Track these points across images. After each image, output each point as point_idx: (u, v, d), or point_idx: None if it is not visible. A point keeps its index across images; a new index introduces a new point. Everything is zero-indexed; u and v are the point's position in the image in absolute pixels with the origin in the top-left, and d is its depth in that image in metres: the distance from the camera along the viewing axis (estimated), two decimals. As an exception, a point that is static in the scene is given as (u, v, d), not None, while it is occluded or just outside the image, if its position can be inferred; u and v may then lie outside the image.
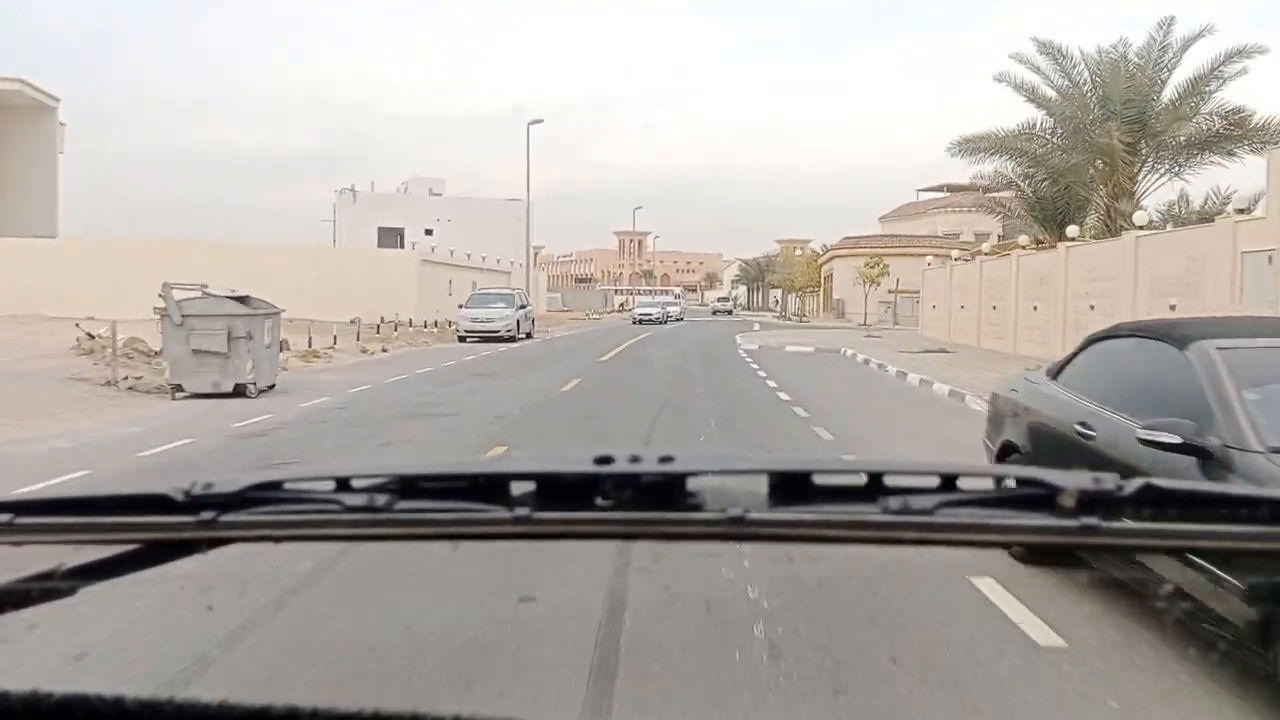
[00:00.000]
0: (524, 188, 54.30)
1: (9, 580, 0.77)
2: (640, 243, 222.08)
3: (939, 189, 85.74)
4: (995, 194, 31.27)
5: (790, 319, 69.41)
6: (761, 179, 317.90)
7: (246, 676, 3.72)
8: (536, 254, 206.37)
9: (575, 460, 0.73)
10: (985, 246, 29.40)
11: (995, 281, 27.48)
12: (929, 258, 58.43)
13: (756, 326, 53.74)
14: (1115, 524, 0.66)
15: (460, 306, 33.46)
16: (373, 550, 4.54)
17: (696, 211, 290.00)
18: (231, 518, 0.73)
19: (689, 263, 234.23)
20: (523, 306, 33.89)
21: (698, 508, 0.70)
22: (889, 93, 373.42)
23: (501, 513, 0.71)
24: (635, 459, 0.71)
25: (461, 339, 32.11)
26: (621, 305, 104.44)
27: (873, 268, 57.61)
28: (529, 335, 35.00)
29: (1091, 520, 0.66)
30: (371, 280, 40.51)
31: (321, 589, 4.82)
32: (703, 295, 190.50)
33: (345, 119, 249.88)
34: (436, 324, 36.94)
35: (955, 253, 32.84)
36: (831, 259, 64.87)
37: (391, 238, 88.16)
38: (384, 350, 26.46)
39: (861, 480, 0.72)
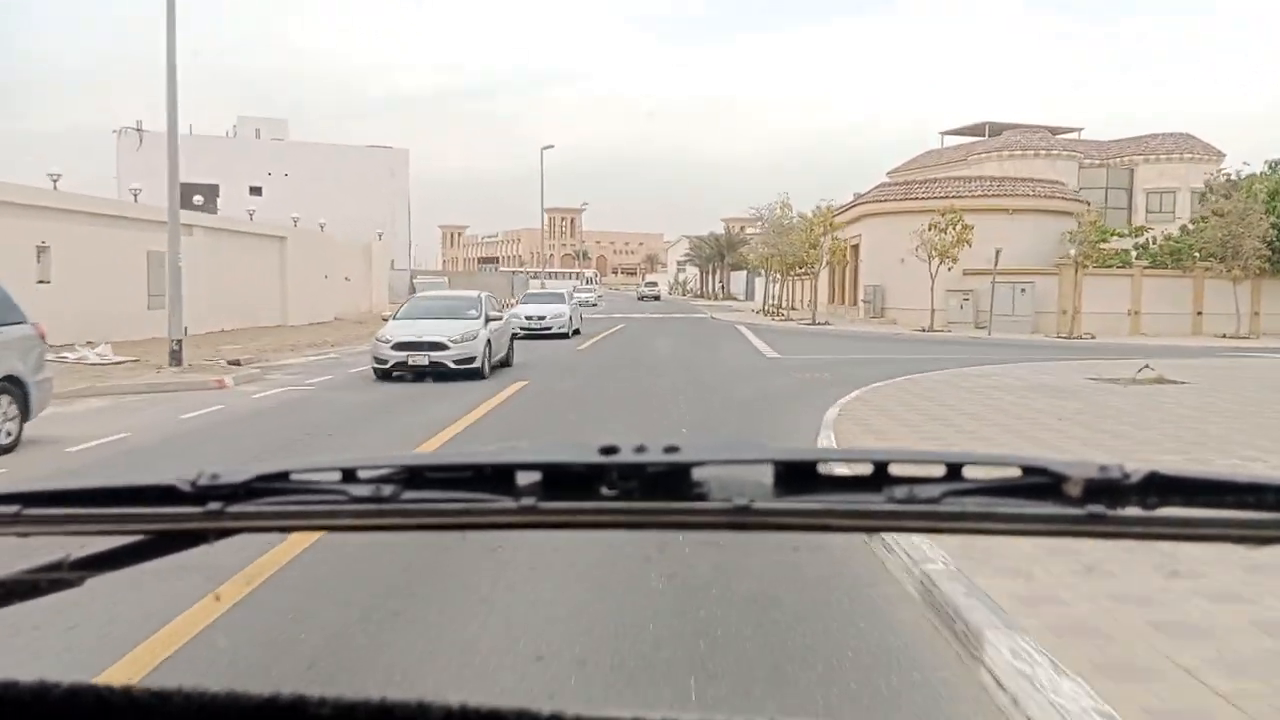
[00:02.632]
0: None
1: (17, 571, 0.76)
2: (572, 220, 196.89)
3: (972, 131, 60.68)
4: None
5: (784, 316, 43.16)
6: (701, 160, 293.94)
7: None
8: (459, 235, 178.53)
9: (581, 450, 0.71)
10: None
11: None
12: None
13: (748, 334, 27.99)
14: (1121, 511, 0.66)
15: None
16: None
17: (634, 193, 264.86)
18: (238, 508, 0.72)
19: (627, 243, 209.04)
20: None
21: (703, 497, 0.69)
22: (825, 76, 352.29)
23: (508, 502, 0.70)
24: (640, 449, 0.70)
25: None
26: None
27: (945, 231, 31.89)
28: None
29: (1098, 508, 0.65)
30: None
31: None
32: (643, 279, 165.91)
33: (267, 97, 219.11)
34: None
35: None
36: (858, 219, 38.65)
37: (203, 197, 59.81)
38: None
39: (867, 470, 0.71)
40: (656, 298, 77.62)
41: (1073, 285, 31.91)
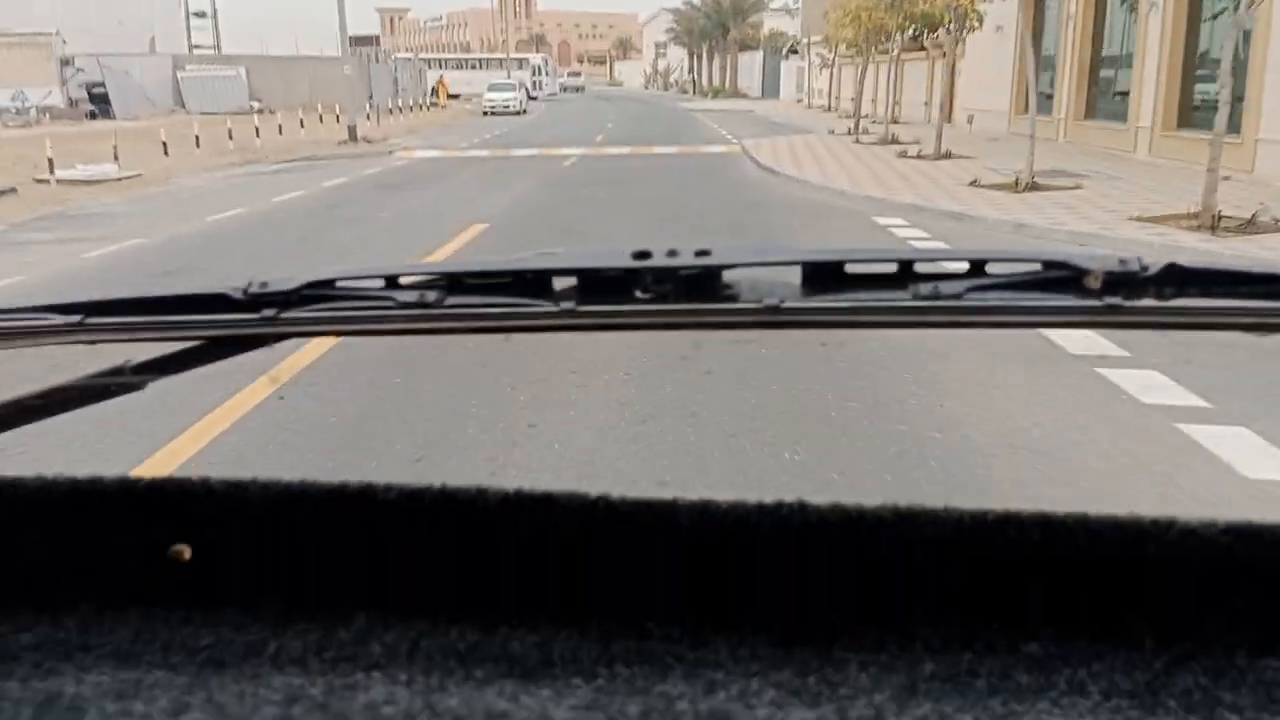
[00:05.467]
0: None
1: (82, 376, 0.80)
2: (527, 1, 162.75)
3: None
4: None
5: (912, 146, 16.85)
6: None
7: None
8: (399, 19, 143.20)
9: (614, 255, 0.73)
10: None
11: None
12: None
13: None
14: (1139, 302, 0.67)
15: None
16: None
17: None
18: (291, 314, 0.74)
19: (594, 26, 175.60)
20: None
21: (734, 298, 0.71)
22: None
23: (547, 306, 0.71)
24: (673, 253, 0.71)
25: None
26: (434, 91, 52.09)
27: None
28: None
29: (1115, 299, 0.66)
30: None
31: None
32: (612, 70, 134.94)
33: None
34: None
35: None
36: None
37: None
38: None
39: (893, 268, 0.71)
40: (579, 89, 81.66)
41: None
